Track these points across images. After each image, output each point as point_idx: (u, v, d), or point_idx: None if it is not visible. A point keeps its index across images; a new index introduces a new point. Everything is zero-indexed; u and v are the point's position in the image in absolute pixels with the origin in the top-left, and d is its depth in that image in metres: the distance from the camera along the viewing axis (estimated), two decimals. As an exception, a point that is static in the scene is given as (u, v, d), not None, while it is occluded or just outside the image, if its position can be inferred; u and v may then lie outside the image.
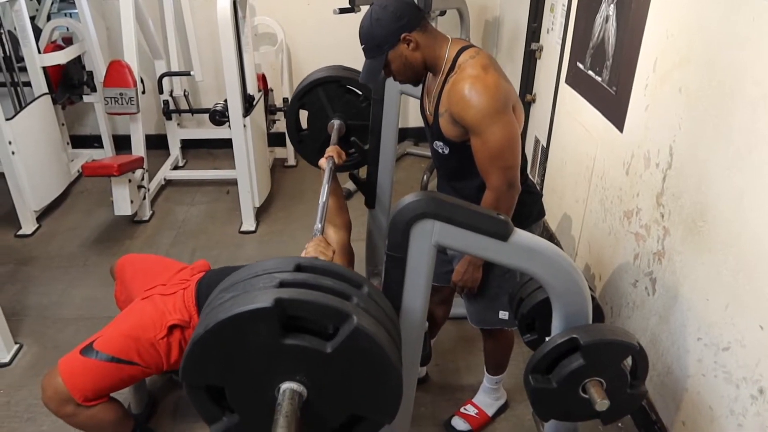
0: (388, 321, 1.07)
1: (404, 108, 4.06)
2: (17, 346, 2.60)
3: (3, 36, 3.53)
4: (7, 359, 2.52)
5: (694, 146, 1.76)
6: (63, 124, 3.98)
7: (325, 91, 2.22)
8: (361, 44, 1.69)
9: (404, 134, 4.63)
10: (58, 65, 3.71)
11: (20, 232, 3.51)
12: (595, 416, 1.36)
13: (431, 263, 1.29)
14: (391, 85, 2.21)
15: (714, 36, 1.67)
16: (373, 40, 1.66)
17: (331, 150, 2.11)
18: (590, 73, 2.54)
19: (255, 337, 0.97)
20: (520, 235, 1.28)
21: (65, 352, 1.81)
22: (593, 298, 1.43)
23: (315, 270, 1.04)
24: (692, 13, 1.77)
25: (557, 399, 1.34)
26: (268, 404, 1.03)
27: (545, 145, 3.22)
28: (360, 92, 2.23)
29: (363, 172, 2.45)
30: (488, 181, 1.67)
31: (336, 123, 2.26)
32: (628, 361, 1.38)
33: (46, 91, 3.58)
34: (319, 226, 1.66)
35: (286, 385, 1.02)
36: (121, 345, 1.78)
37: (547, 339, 1.37)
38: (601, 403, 1.28)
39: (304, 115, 2.38)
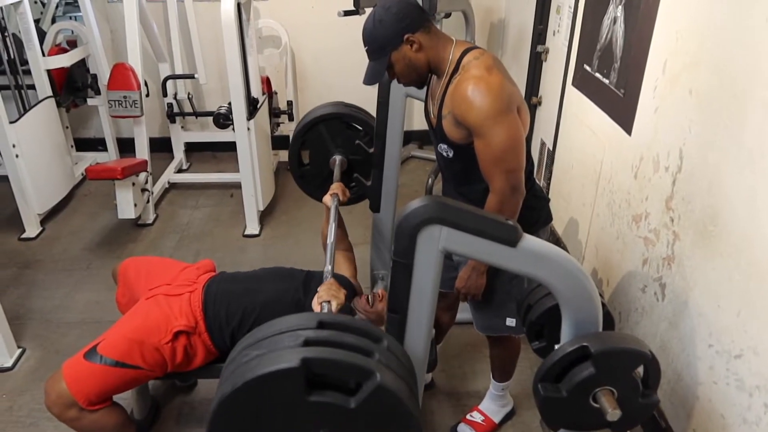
0: (407, 373, 1.09)
1: (409, 111, 4.04)
2: (20, 350, 2.59)
3: (7, 39, 3.53)
4: (9, 363, 2.51)
5: (704, 149, 1.74)
6: (67, 127, 3.98)
7: (327, 128, 2.27)
8: (365, 46, 1.67)
9: (409, 137, 4.61)
10: (62, 68, 3.71)
11: (24, 236, 3.50)
12: (606, 426, 1.33)
13: (438, 269, 1.27)
14: (397, 88, 2.19)
15: (725, 37, 1.64)
16: (375, 41, 1.64)
17: (336, 187, 2.13)
18: (597, 75, 2.51)
19: (281, 395, 1.00)
20: (530, 240, 1.25)
21: (68, 356, 1.80)
22: (603, 305, 1.41)
23: (337, 326, 1.07)
24: (703, 14, 1.75)
25: (567, 408, 1.31)
26: None
27: (551, 149, 3.20)
28: (361, 128, 2.24)
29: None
30: (492, 184, 1.64)
31: (338, 159, 2.31)
32: (639, 369, 1.36)
33: (50, 94, 3.58)
34: (329, 268, 1.69)
35: None
36: (125, 349, 1.77)
37: (556, 347, 1.34)
38: (613, 413, 1.25)
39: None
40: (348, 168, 2.31)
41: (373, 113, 2.27)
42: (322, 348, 1.00)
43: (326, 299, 1.53)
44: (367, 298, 1.97)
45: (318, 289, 1.59)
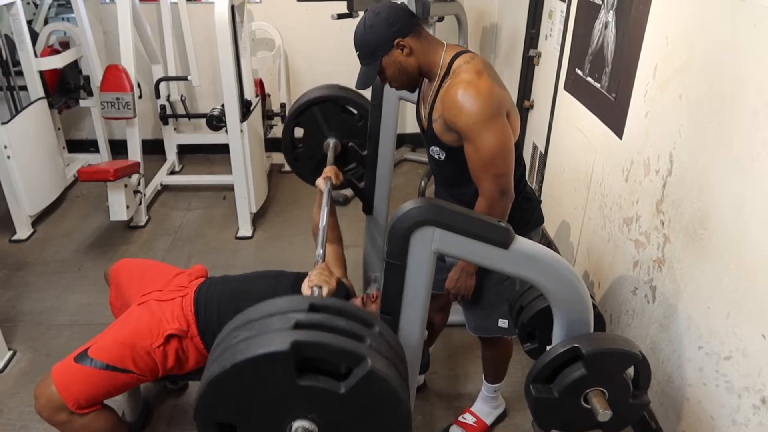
0: (398, 360, 1.09)
1: (402, 114, 4.06)
2: (11, 352, 2.57)
3: (0, 40, 3.52)
4: (0, 366, 2.49)
5: (694, 153, 1.76)
6: (59, 129, 3.97)
7: (322, 110, 2.24)
8: (356, 51, 1.68)
9: (402, 140, 4.62)
10: (55, 69, 3.70)
11: (15, 237, 3.48)
12: (597, 427, 1.34)
13: (431, 271, 1.27)
14: (390, 91, 2.20)
15: (715, 42, 1.66)
16: (366, 46, 1.65)
17: (329, 170, 2.12)
18: (589, 79, 2.53)
19: (270, 378, 0.99)
20: (521, 242, 1.26)
21: (59, 358, 1.79)
22: (594, 307, 1.42)
23: (328, 310, 1.05)
24: (693, 19, 1.77)
25: (559, 409, 1.32)
26: None
27: (543, 152, 3.22)
28: (356, 111, 2.23)
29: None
30: (481, 187, 1.65)
31: (332, 142, 2.28)
32: (630, 370, 1.37)
33: (43, 95, 3.56)
34: (321, 252, 1.67)
35: (298, 424, 1.03)
36: (116, 352, 1.76)
37: (548, 348, 1.35)
38: (604, 414, 1.26)
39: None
40: (342, 151, 2.28)
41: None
42: (313, 332, 0.99)
43: (317, 284, 1.49)
44: (362, 299, 1.97)
45: (309, 273, 1.55)
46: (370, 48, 1.65)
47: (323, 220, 1.84)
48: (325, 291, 1.49)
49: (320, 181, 2.08)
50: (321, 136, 2.28)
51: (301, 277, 2.02)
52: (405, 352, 1.32)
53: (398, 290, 1.27)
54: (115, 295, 2.15)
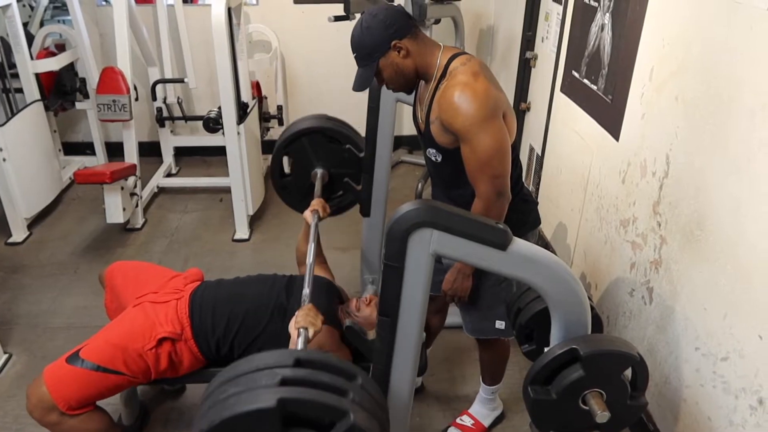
0: (380, 411, 1.11)
1: (399, 116, 4.06)
2: (6, 355, 2.56)
3: (-5, 42, 3.51)
4: (-5, 369, 2.49)
5: (691, 155, 1.76)
6: (55, 131, 3.95)
7: (310, 141, 2.28)
8: (353, 53, 1.68)
9: (398, 142, 4.63)
10: (51, 72, 3.69)
11: (11, 240, 3.47)
12: (595, 428, 1.35)
13: (429, 273, 1.27)
14: (387, 93, 2.20)
15: (711, 44, 1.66)
16: (363, 48, 1.65)
17: (316, 203, 2.13)
18: (585, 81, 2.54)
19: None
20: (519, 244, 1.26)
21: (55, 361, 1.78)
22: (592, 308, 1.42)
23: (313, 364, 1.08)
24: (689, 21, 1.77)
25: (557, 410, 1.32)
26: None
27: (540, 154, 3.22)
28: (342, 142, 2.26)
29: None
30: (477, 189, 1.66)
31: (319, 172, 2.31)
32: (628, 372, 1.37)
33: (39, 97, 3.56)
34: (307, 291, 1.66)
35: None
36: (107, 354, 1.76)
37: (546, 349, 1.35)
38: (602, 415, 1.26)
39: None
40: (329, 181, 2.33)
41: (364, 118, 2.28)
42: (298, 388, 1.02)
43: (303, 325, 1.49)
44: (356, 302, 1.97)
45: (296, 313, 1.55)
46: (367, 50, 1.65)
47: (310, 256, 1.83)
48: (310, 332, 1.49)
49: (308, 214, 2.08)
50: (309, 165, 2.32)
51: (293, 279, 2.03)
52: (403, 354, 1.33)
53: (396, 292, 1.27)
54: (111, 298, 2.14)
